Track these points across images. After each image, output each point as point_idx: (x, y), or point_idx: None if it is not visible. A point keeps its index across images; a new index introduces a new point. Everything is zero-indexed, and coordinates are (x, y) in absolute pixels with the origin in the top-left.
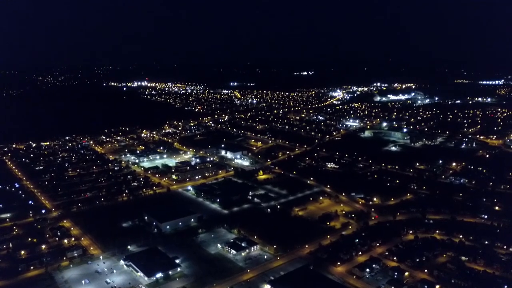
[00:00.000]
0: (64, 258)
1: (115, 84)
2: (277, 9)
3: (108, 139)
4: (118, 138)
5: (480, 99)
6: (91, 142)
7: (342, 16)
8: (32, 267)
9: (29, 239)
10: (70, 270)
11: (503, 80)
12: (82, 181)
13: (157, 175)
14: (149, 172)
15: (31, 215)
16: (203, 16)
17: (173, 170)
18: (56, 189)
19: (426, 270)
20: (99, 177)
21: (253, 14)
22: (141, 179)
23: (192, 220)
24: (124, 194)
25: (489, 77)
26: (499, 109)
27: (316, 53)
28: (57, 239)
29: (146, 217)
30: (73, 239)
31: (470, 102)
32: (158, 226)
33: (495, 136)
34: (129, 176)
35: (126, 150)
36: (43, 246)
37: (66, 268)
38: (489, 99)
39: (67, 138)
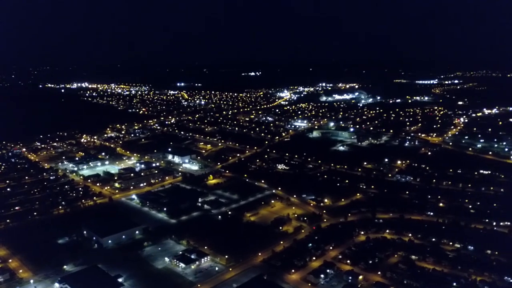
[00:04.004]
0: None
1: (53, 85)
2: (222, 11)
3: (43, 146)
4: (55, 144)
5: (418, 98)
6: (24, 149)
7: (286, 18)
8: None
9: None
10: None
11: (436, 80)
12: (12, 193)
13: (98, 184)
14: (89, 180)
15: None
16: (148, 15)
17: (115, 178)
18: None
19: (379, 272)
20: (32, 188)
21: (199, 15)
22: (80, 189)
23: (137, 232)
24: (60, 207)
25: (424, 77)
26: (436, 108)
27: (262, 54)
28: None
29: (85, 232)
30: None
31: (410, 101)
32: (99, 241)
33: (435, 134)
34: (66, 186)
35: (64, 157)
36: None
37: None
38: (426, 98)
39: None
